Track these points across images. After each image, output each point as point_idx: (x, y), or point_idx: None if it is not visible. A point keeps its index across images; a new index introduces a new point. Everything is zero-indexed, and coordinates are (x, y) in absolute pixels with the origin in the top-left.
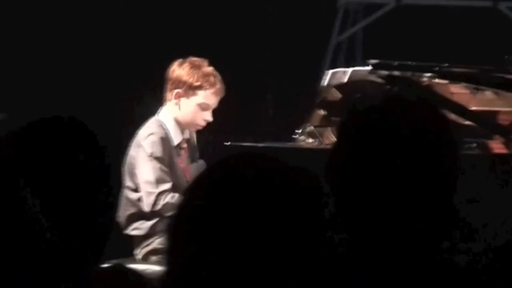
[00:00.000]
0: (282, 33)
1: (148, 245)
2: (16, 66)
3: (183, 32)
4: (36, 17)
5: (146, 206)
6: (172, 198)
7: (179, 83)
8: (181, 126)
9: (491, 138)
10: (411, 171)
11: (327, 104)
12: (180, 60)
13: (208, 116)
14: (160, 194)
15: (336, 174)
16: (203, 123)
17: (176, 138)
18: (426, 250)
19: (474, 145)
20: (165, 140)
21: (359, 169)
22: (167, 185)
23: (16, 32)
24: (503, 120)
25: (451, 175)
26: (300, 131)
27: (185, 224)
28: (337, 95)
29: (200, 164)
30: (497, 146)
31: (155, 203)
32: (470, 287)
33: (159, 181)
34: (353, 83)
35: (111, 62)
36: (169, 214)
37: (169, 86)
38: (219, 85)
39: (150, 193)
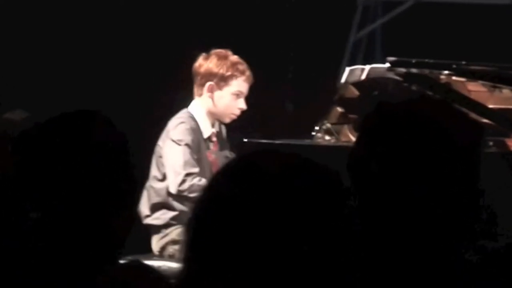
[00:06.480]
0: (302, 30)
1: (166, 235)
2: (37, 62)
3: (203, 27)
4: (58, 17)
5: (172, 187)
6: (199, 181)
7: (209, 76)
8: (214, 118)
9: (508, 136)
10: (434, 170)
11: (344, 101)
12: (204, 54)
13: (242, 104)
14: (188, 175)
15: (357, 170)
16: (237, 112)
17: (206, 131)
18: (445, 248)
19: (491, 143)
20: (195, 131)
21: (380, 165)
22: (195, 169)
23: (39, 29)
24: None
25: (473, 174)
26: (317, 128)
27: (203, 219)
28: (354, 92)
29: (230, 158)
30: None
31: (182, 182)
32: (488, 284)
33: (187, 164)
34: (371, 81)
35: (137, 58)
36: (194, 195)
37: (198, 80)
38: (248, 72)
39: (177, 173)
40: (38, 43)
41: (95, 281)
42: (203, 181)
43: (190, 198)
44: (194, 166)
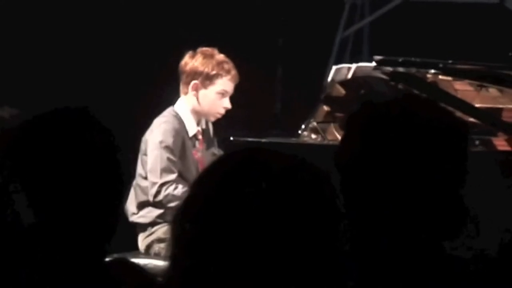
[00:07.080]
0: (290, 28)
1: (152, 233)
2: (28, 61)
3: (192, 25)
4: (46, 13)
5: (149, 196)
6: (174, 189)
7: (194, 75)
8: (199, 116)
9: (494, 135)
10: (418, 168)
11: (331, 100)
12: (190, 52)
13: (227, 103)
14: (163, 184)
15: (344, 169)
16: (222, 111)
17: (191, 129)
18: (432, 247)
19: (477, 142)
20: (178, 130)
21: (367, 164)
22: (172, 176)
23: (30, 27)
24: (507, 117)
25: (458, 172)
26: (304, 126)
27: (188, 217)
28: (341, 91)
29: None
30: (500, 143)
31: (157, 193)
32: (474, 283)
33: (163, 171)
34: (357, 79)
35: (125, 56)
36: (171, 204)
37: (184, 79)
38: (234, 71)
39: (153, 183)
40: (25, 40)
41: (81, 279)
42: (179, 188)
43: (167, 207)
44: (171, 173)
